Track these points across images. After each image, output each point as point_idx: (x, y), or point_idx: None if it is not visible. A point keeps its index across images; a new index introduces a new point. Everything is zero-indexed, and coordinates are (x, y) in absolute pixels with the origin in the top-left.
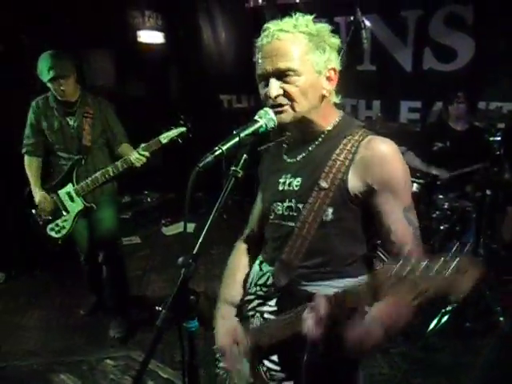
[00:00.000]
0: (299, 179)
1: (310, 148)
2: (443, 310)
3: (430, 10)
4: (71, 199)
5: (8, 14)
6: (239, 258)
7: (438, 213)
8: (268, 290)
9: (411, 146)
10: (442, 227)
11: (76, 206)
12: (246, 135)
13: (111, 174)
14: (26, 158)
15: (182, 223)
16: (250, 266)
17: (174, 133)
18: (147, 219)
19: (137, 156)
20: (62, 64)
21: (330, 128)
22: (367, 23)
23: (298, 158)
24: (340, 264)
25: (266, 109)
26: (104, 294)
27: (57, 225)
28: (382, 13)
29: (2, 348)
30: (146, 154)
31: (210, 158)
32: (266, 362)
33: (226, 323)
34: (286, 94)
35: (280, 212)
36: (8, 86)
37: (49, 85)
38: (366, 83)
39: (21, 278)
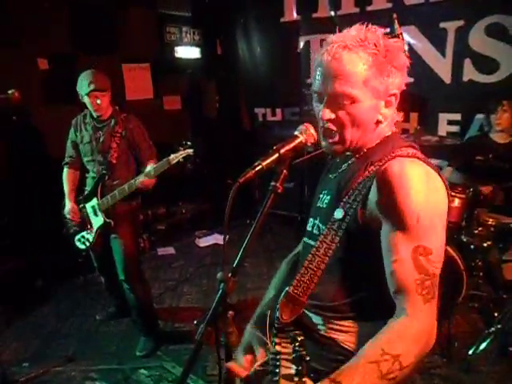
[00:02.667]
0: (329, 197)
1: (344, 166)
2: (486, 332)
3: (470, 21)
4: (95, 213)
5: (56, 30)
6: (279, 274)
7: (480, 229)
8: (278, 323)
9: (451, 160)
10: (484, 244)
11: (98, 220)
12: (286, 151)
13: (127, 191)
14: (64, 169)
15: (215, 235)
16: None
17: (181, 154)
18: (182, 230)
19: (142, 179)
20: (100, 79)
21: (369, 146)
22: (405, 35)
23: (334, 175)
24: (346, 301)
25: (307, 124)
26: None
27: (83, 236)
28: (421, 24)
29: (43, 354)
30: (147, 179)
31: (250, 174)
32: None
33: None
34: (338, 120)
35: (309, 229)
36: (57, 101)
37: (85, 99)
38: (403, 95)
39: (62, 284)
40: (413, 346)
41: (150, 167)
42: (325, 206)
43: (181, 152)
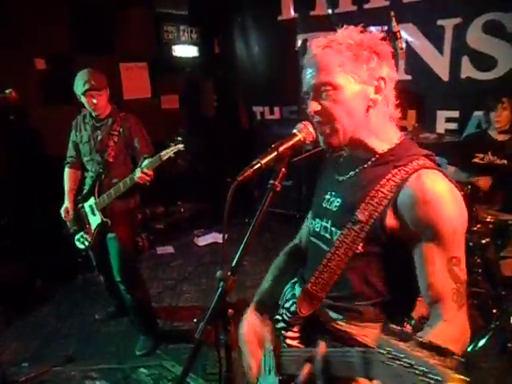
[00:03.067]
0: (339, 200)
1: (357, 169)
2: (485, 328)
3: (468, 18)
4: (93, 213)
5: (55, 30)
6: (279, 263)
7: (478, 226)
8: (292, 317)
9: (450, 157)
10: (483, 241)
11: (96, 219)
12: (285, 149)
13: (122, 189)
14: (66, 169)
15: (214, 234)
16: (289, 273)
17: (171, 150)
18: (180, 229)
19: (139, 175)
20: (96, 78)
21: (383, 151)
22: (402, 33)
23: (344, 178)
24: (361, 301)
25: (305, 122)
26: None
27: (82, 236)
28: (418, 22)
29: (43, 354)
30: (149, 172)
31: (249, 172)
32: None
33: (250, 320)
34: (325, 111)
35: (318, 230)
36: (56, 102)
37: (82, 99)
38: (400, 93)
39: (61, 285)
40: (454, 343)
41: (146, 161)
42: (335, 208)
43: (172, 148)
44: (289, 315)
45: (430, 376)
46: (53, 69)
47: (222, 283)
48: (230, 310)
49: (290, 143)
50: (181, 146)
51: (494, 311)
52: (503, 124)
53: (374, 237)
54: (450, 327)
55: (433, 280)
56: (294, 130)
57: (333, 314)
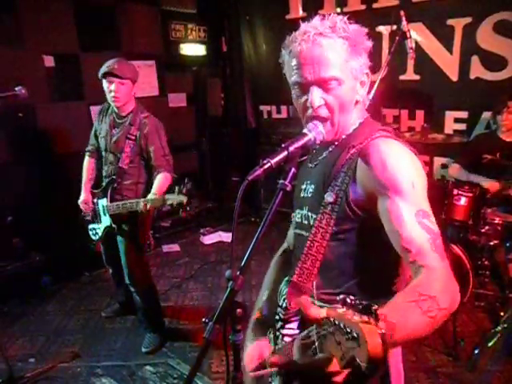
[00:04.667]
0: (313, 186)
1: (324, 153)
2: (492, 331)
3: (478, 18)
4: (104, 213)
5: (63, 28)
6: (271, 272)
7: (487, 228)
8: (286, 313)
9: (458, 158)
10: (491, 243)
11: (106, 220)
12: (295, 148)
13: (128, 209)
14: (86, 157)
15: (220, 232)
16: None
17: (175, 199)
18: (186, 228)
19: (141, 206)
20: (121, 65)
21: (348, 133)
22: (412, 32)
23: (314, 164)
24: (346, 282)
25: (316, 122)
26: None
27: (93, 228)
28: (428, 21)
29: (49, 350)
30: (150, 208)
31: (259, 172)
32: None
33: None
34: (327, 106)
35: (299, 220)
36: (64, 99)
37: (103, 83)
38: (409, 93)
39: (70, 281)
40: (445, 292)
41: (151, 197)
42: (310, 195)
43: (175, 197)
44: (283, 312)
45: (352, 334)
46: (60, 67)
47: (230, 282)
48: (238, 310)
49: (301, 143)
50: (184, 199)
51: (502, 314)
52: (510, 127)
53: (344, 215)
54: (437, 273)
55: (406, 233)
56: (305, 130)
57: (320, 304)
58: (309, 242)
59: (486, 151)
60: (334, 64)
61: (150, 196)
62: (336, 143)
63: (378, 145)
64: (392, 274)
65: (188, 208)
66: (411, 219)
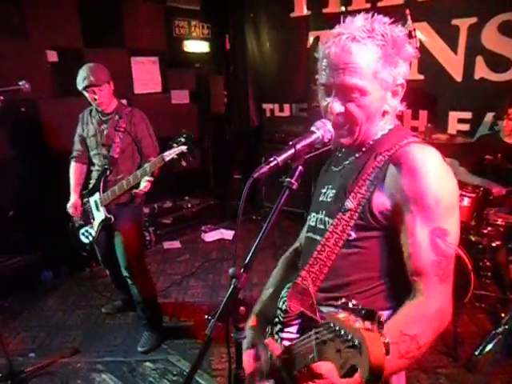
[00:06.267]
0: (334, 191)
1: (350, 159)
2: (493, 332)
3: (483, 18)
4: (97, 208)
5: (66, 24)
6: (277, 272)
7: (489, 229)
8: (285, 316)
9: (461, 158)
10: (493, 244)
11: (100, 215)
12: (303, 146)
13: (125, 187)
14: (71, 163)
15: (221, 230)
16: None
17: (174, 151)
18: (187, 225)
19: (145, 184)
20: (95, 74)
21: (375, 138)
22: (416, 32)
23: (338, 168)
24: (357, 291)
25: (324, 120)
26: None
27: (86, 231)
28: (432, 21)
29: (49, 345)
30: (146, 180)
31: (264, 169)
32: None
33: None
34: (347, 113)
35: (313, 224)
36: (66, 94)
37: (85, 94)
38: (412, 93)
39: (71, 276)
40: (429, 326)
41: (146, 164)
42: (329, 199)
43: (174, 149)
44: (282, 315)
45: (354, 342)
46: (63, 62)
47: (234, 280)
48: (241, 308)
49: (308, 141)
50: (184, 148)
51: (503, 315)
52: (510, 133)
53: (364, 223)
54: (429, 304)
55: (412, 251)
56: (313, 128)
57: (324, 309)
58: (320, 247)
59: (488, 152)
60: (360, 73)
61: (145, 167)
62: (363, 149)
63: (412, 152)
64: (407, 287)
65: (191, 158)
66: (423, 238)
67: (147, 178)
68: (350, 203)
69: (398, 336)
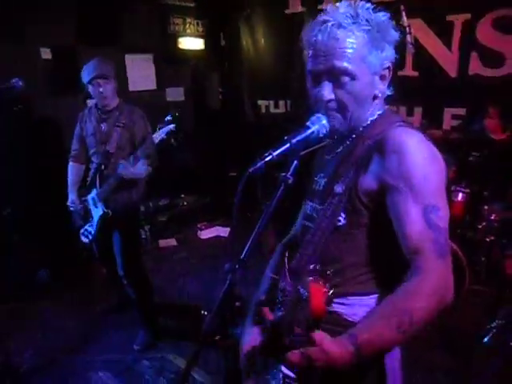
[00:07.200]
0: (325, 180)
1: (341, 147)
2: (488, 327)
3: (477, 14)
4: (95, 205)
5: (60, 21)
6: (274, 259)
7: (483, 224)
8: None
9: (454, 154)
10: (487, 239)
11: (98, 211)
12: (298, 141)
13: (120, 175)
14: (70, 163)
15: (217, 227)
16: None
17: (163, 131)
18: (184, 222)
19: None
20: (103, 66)
21: (364, 125)
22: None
23: (330, 156)
24: (350, 276)
25: (319, 115)
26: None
27: (86, 230)
28: (427, 17)
29: (46, 344)
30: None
31: (260, 164)
32: (284, 369)
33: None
34: (338, 100)
35: (309, 212)
36: (61, 92)
37: (89, 88)
38: (407, 89)
39: (66, 275)
40: (426, 301)
41: (138, 151)
42: (321, 188)
43: (162, 129)
44: (281, 294)
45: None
46: (58, 60)
47: (229, 275)
48: (237, 303)
49: (304, 135)
50: (172, 126)
51: (498, 310)
52: (493, 131)
53: (353, 207)
54: (428, 278)
55: (409, 230)
56: (308, 123)
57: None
58: (312, 231)
59: (475, 148)
60: (348, 58)
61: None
62: (353, 136)
63: (397, 134)
64: (400, 269)
65: (180, 136)
66: (417, 216)
67: (143, 161)
68: (338, 188)
69: (391, 310)
